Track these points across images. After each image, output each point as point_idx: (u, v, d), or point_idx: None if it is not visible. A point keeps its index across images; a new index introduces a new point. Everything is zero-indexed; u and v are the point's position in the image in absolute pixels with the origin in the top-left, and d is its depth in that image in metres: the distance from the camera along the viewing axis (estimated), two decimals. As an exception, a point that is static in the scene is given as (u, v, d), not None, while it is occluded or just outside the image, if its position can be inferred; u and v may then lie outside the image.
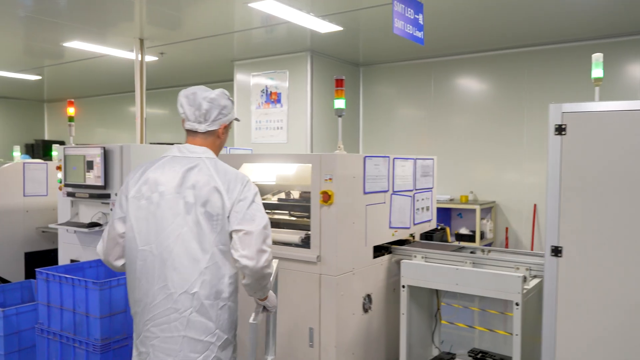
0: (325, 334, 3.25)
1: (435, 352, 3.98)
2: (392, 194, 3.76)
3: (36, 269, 3.86)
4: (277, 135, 7.24)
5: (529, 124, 6.71)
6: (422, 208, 4.20)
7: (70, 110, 5.00)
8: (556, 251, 2.78)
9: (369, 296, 3.54)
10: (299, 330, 3.35)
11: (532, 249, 6.63)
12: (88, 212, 4.75)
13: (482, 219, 6.69)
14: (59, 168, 4.85)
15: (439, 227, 4.43)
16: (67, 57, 7.70)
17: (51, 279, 3.76)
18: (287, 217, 3.97)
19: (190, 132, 2.20)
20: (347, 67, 7.80)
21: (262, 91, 7.36)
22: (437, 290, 3.91)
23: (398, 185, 3.84)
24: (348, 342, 3.33)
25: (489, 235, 6.78)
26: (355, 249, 3.40)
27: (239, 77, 7.64)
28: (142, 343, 2.10)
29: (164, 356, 2.03)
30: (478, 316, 3.78)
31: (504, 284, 3.12)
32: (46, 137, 12.51)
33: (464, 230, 6.79)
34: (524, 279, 3.13)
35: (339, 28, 5.85)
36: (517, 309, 3.09)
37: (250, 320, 2.22)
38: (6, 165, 5.43)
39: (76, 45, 6.64)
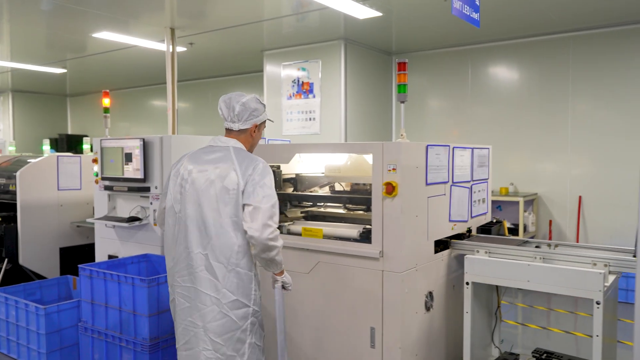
0: (389, 334, 3.05)
1: (496, 352, 3.77)
2: (451, 185, 3.54)
3: (79, 265, 3.72)
4: (309, 127, 7.03)
5: (575, 112, 6.42)
6: (479, 200, 3.98)
7: (106, 101, 4.84)
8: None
9: (430, 294, 3.34)
10: (359, 330, 3.16)
11: (577, 242, 6.37)
12: (126, 206, 4.60)
13: (524, 211, 6.44)
14: (95, 161, 4.70)
15: (495, 221, 4.20)
16: (93, 49, 7.57)
17: (95, 275, 3.61)
18: (336, 210, 3.78)
19: (227, 130, 2.65)
20: (380, 56, 7.56)
21: (294, 81, 7.15)
22: (496, 287, 3.70)
23: (457, 176, 3.62)
24: (412, 343, 3.13)
25: (531, 228, 6.53)
26: (418, 244, 3.19)
27: (269, 67, 7.44)
28: (172, 290, 2.59)
29: (184, 301, 2.50)
30: (542, 314, 3.56)
31: (584, 281, 2.90)
32: (69, 132, 12.43)
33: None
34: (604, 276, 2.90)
35: (378, 14, 5.61)
36: (597, 308, 2.86)
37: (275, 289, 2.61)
38: (40, 159, 5.30)
39: (105, 35, 6.49)
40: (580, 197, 6.41)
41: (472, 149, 3.84)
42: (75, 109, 12.59)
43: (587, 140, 6.34)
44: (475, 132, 7.07)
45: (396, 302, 3.02)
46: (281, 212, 3.81)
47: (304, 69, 7.07)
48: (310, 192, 3.99)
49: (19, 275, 5.29)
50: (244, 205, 2.40)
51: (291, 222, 3.64)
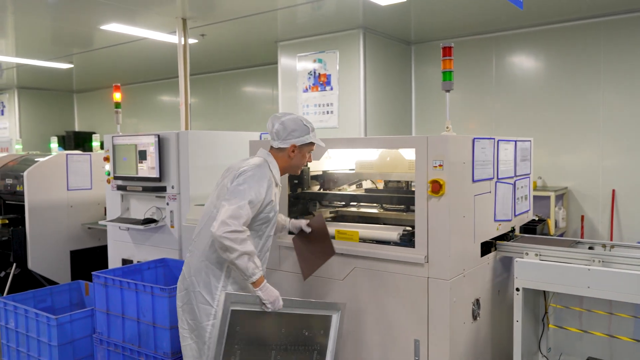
0: (436, 348, 2.76)
1: (544, 362, 3.47)
2: (496, 181, 3.24)
3: (92, 273, 3.45)
4: (327, 120, 6.73)
5: (607, 101, 6.08)
6: (522, 197, 3.67)
7: (117, 96, 4.55)
8: None
9: (477, 301, 3.04)
10: (401, 343, 2.87)
11: (611, 239, 6.05)
12: (140, 206, 4.33)
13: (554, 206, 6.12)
14: (106, 159, 4.43)
15: (537, 218, 3.90)
16: (100, 43, 7.29)
17: (110, 284, 3.34)
18: (368, 210, 3.49)
19: (271, 147, 2.68)
20: (399, 45, 7.23)
21: (310, 73, 6.84)
22: (544, 291, 3.40)
23: (502, 172, 3.32)
24: (459, 356, 2.84)
25: (561, 224, 6.20)
26: (465, 247, 2.90)
27: (284, 58, 7.13)
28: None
29: (186, 270, 2.63)
30: (594, 319, 3.26)
31: (656, 287, 2.59)
32: (76, 129, 12.17)
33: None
34: (679, 282, 2.59)
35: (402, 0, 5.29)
36: (671, 317, 2.56)
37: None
38: (48, 157, 5.02)
39: (113, 27, 6.20)
40: (613, 190, 6.08)
41: (515, 141, 3.53)
42: (83, 106, 12.32)
43: (621, 130, 6.00)
44: (500, 125, 6.74)
45: (444, 312, 2.73)
46: (309, 212, 3.53)
47: (320, 60, 6.76)
48: (339, 190, 3.70)
49: (28, 280, 5.04)
50: None
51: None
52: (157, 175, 4.01)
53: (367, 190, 3.49)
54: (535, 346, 3.43)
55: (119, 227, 4.28)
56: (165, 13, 5.75)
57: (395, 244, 2.94)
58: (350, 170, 3.72)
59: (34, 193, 4.84)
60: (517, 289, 3.03)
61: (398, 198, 3.18)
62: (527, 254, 3.15)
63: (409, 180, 3.38)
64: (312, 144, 2.64)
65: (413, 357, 2.83)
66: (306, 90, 6.89)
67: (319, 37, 6.77)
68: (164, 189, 4.02)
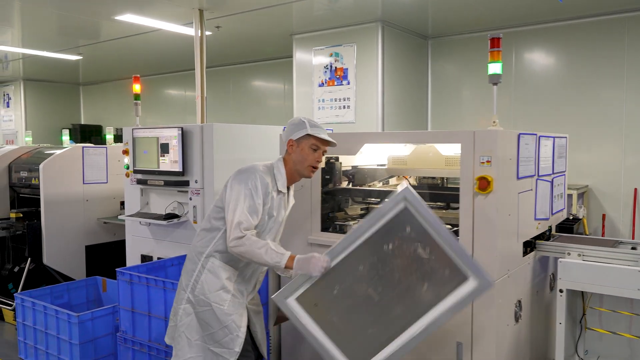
0: (480, 351, 2.66)
1: (581, 365, 3.38)
2: (537, 179, 3.13)
3: (117, 269, 3.34)
4: (343, 115, 6.61)
5: (630, 99, 5.97)
6: (558, 195, 3.56)
7: (136, 87, 4.43)
8: None
9: (519, 302, 2.94)
10: (444, 346, 2.76)
11: (633, 239, 5.95)
12: (160, 201, 4.21)
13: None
14: (125, 152, 4.30)
15: (571, 217, 3.79)
16: (109, 34, 7.13)
17: (136, 281, 3.22)
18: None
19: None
20: (416, 39, 7.10)
21: (326, 67, 6.71)
22: (582, 293, 3.30)
23: (542, 169, 3.21)
24: (503, 359, 2.74)
25: (582, 223, 6.10)
26: (510, 247, 2.79)
27: (299, 52, 7.00)
28: None
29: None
30: (634, 322, 3.17)
31: None
32: (82, 121, 12.02)
33: (553, 218, 6.12)
34: None
35: (424, -9, 5.15)
36: None
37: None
38: (64, 150, 4.88)
39: (128, 18, 6.06)
40: (635, 189, 5.97)
41: (554, 138, 3.42)
42: (89, 98, 12.15)
43: (645, 127, 5.89)
44: (518, 122, 6.62)
45: (489, 315, 2.63)
46: (341, 209, 3.42)
47: (337, 54, 6.62)
48: (369, 186, 3.59)
49: (42, 275, 4.92)
50: None
51: (356, 222, 3.23)
52: (180, 169, 3.89)
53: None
54: (572, 349, 3.34)
55: (140, 223, 4.16)
56: (182, 4, 5.61)
57: (436, 242, 2.82)
58: (379, 165, 3.61)
59: (50, 186, 4.71)
60: (561, 291, 2.93)
61: (437, 195, 3.07)
62: (569, 254, 3.04)
63: (445, 176, 3.27)
64: (310, 137, 2.53)
65: (455, 360, 2.73)
66: (322, 85, 6.76)
67: (336, 30, 6.63)
68: (186, 183, 3.90)
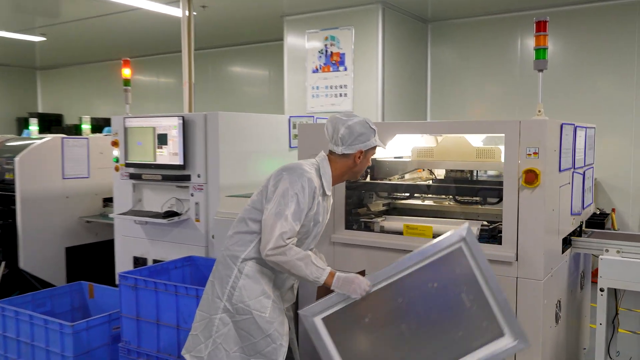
0: (525, 353, 2.68)
1: (613, 366, 3.45)
2: (573, 171, 3.17)
3: (119, 273, 3.24)
4: (339, 104, 6.57)
5: (641, 87, 6.13)
6: (587, 189, 3.62)
7: (126, 72, 4.29)
8: None
9: (559, 302, 2.98)
10: (484, 349, 2.77)
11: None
12: (156, 198, 4.10)
13: (584, 199, 6.14)
14: (115, 144, 4.17)
15: (598, 212, 3.87)
16: (79, 14, 6.90)
17: (142, 285, 3.13)
18: (429, 203, 3.38)
19: (330, 152, 2.55)
20: (416, 23, 7.11)
21: (321, 52, 6.66)
22: (615, 292, 3.37)
23: (577, 161, 3.25)
24: (546, 363, 2.77)
25: (590, 217, 6.25)
26: (553, 244, 2.82)
27: (291, 35, 6.92)
28: None
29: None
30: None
31: None
32: (40, 110, 11.62)
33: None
34: None
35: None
36: None
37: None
38: (42, 141, 4.69)
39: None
40: (645, 183, 6.16)
41: (586, 128, 3.48)
42: (47, 85, 11.76)
43: (655, 120, 6.06)
44: (524, 111, 6.72)
45: (535, 316, 2.65)
46: (364, 205, 3.39)
47: (333, 38, 6.58)
48: (390, 180, 3.57)
49: (17, 281, 4.73)
50: None
51: (383, 219, 3.21)
52: (181, 162, 3.79)
53: (435, 180, 3.37)
54: (604, 349, 3.40)
55: (134, 221, 4.04)
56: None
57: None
58: (398, 158, 3.58)
59: (27, 182, 4.53)
60: (602, 289, 2.98)
61: (468, 189, 3.07)
62: (607, 250, 3.09)
63: (476, 169, 3.28)
64: (375, 147, 2.54)
65: (497, 364, 2.74)
66: (316, 71, 6.71)
67: (332, 12, 6.59)
68: (188, 177, 3.81)
